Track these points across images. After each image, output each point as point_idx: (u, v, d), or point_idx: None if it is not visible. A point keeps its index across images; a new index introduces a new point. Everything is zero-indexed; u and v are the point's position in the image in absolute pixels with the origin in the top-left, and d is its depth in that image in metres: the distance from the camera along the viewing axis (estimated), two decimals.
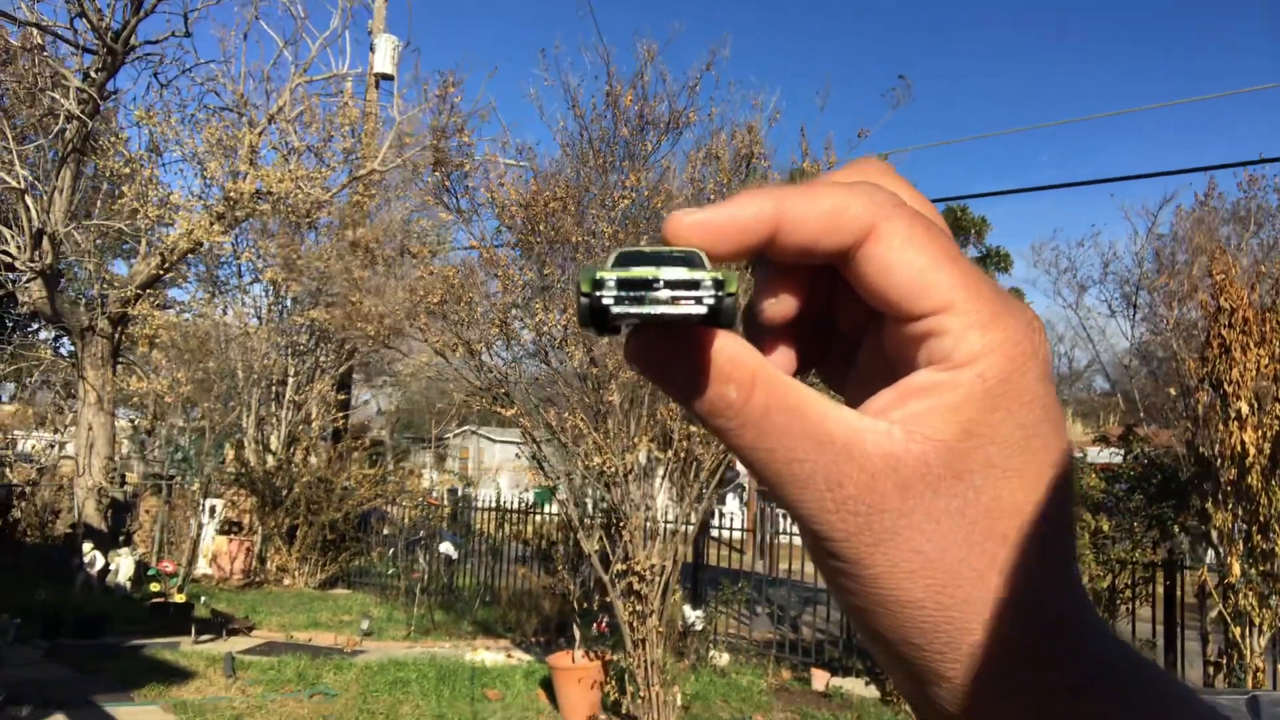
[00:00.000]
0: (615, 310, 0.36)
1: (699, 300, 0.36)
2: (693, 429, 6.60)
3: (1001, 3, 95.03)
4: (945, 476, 0.37)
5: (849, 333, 0.44)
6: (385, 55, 20.56)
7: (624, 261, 0.37)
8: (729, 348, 0.38)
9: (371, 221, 16.72)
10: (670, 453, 6.94)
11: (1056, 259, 14.42)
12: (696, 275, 0.36)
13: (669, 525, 7.31)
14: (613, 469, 6.75)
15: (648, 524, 7.09)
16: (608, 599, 7.67)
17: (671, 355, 0.38)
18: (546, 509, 14.66)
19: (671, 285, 0.36)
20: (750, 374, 0.38)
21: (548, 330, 6.42)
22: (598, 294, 0.36)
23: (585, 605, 8.72)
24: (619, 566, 7.03)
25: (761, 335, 0.43)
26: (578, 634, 8.54)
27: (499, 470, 33.65)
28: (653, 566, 6.94)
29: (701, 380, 0.38)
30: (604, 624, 9.12)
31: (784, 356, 0.43)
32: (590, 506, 8.28)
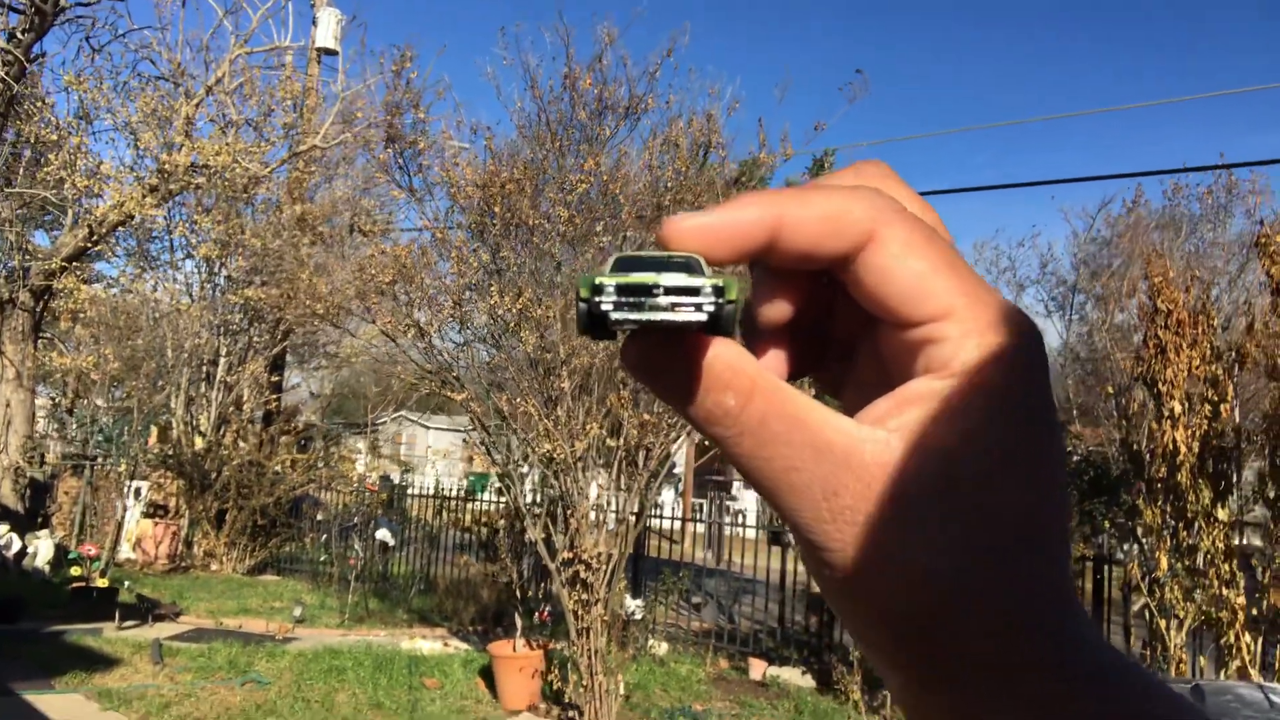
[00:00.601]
0: (614, 316, 0.36)
1: (699, 307, 0.35)
2: (646, 416, 6.58)
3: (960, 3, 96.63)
4: (942, 486, 0.36)
5: (845, 338, 0.44)
6: (328, 29, 20.08)
7: (622, 267, 0.37)
8: (727, 355, 0.38)
9: (312, 199, 16.34)
10: (620, 440, 6.90)
11: (997, 258, 14.71)
12: (696, 281, 0.36)
13: (615, 514, 7.29)
14: (562, 455, 6.69)
15: (595, 513, 7.05)
16: (550, 587, 7.63)
17: (669, 362, 0.38)
18: (483, 496, 14.53)
19: (671, 291, 0.36)
20: (749, 381, 0.38)
21: (501, 314, 6.33)
22: (597, 299, 0.36)
23: (528, 593, 8.66)
24: (565, 555, 6.98)
25: (757, 338, 0.43)
26: (519, 622, 8.47)
27: (444, 455, 33.28)
28: (599, 555, 6.90)
29: (699, 387, 0.38)
30: (546, 613, 9.07)
31: (779, 360, 0.43)
32: (536, 495, 8.21)
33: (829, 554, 0.37)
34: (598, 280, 0.37)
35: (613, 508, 7.29)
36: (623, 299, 0.36)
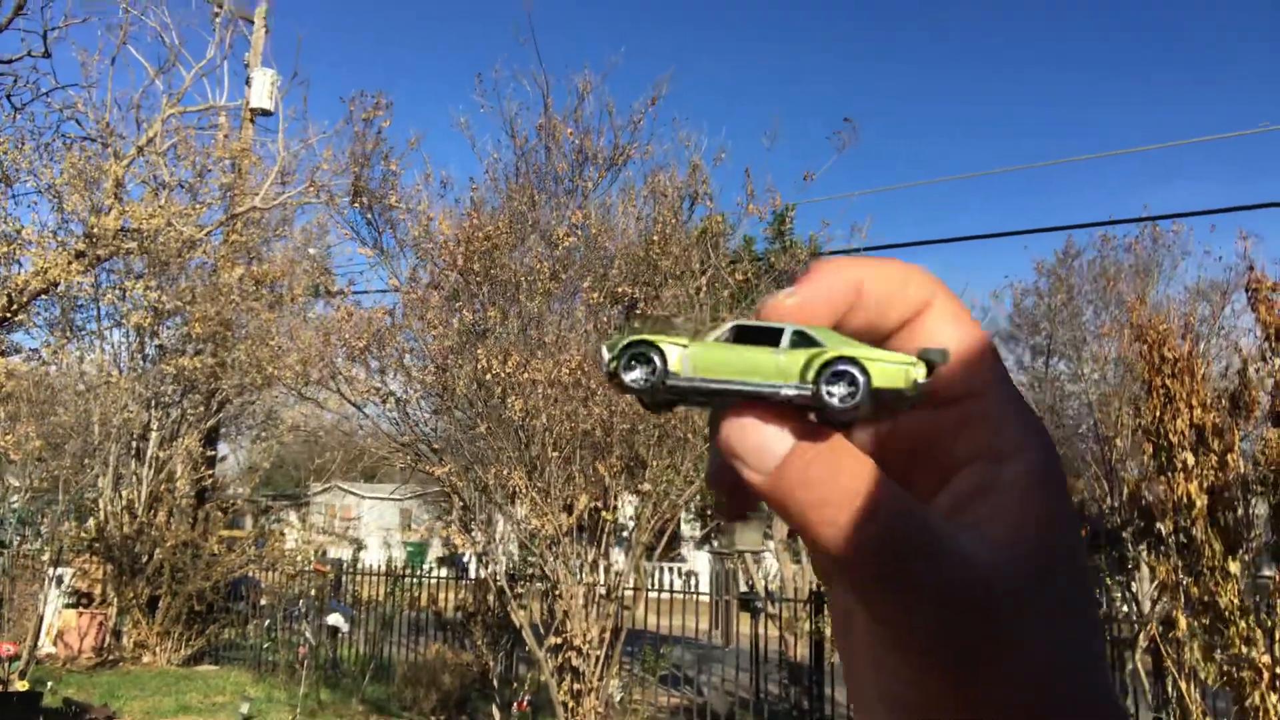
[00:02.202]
0: (836, 406, 0.41)
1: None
2: (644, 487, 6.10)
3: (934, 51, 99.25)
4: (1033, 578, 0.39)
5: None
6: (263, 90, 19.57)
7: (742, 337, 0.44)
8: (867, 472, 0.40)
9: (249, 263, 15.61)
10: (610, 512, 6.39)
11: (969, 310, 14.58)
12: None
13: (605, 590, 6.73)
14: (551, 529, 6.15)
15: (585, 590, 6.50)
16: (521, 669, 7.00)
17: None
18: (426, 569, 13.75)
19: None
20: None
21: (487, 380, 5.81)
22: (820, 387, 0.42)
23: (508, 683, 7.98)
24: (553, 640, 6.40)
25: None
26: (496, 714, 7.79)
27: (386, 530, 32.07)
28: (592, 639, 6.33)
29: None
30: (525, 702, 8.38)
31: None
32: (508, 570, 7.61)
33: (948, 662, 0.38)
34: (822, 361, 0.42)
35: (602, 583, 6.74)
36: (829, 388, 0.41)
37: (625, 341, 0.45)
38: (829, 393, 0.42)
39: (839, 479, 0.39)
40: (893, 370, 0.42)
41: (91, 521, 14.50)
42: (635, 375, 0.44)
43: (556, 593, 6.40)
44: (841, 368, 0.42)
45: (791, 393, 0.42)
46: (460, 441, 6.11)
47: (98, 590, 14.11)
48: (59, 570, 13.63)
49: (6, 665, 10.23)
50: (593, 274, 6.05)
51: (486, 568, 7.00)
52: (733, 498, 0.45)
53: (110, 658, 13.41)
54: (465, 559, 13.69)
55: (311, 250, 15.31)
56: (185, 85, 14.92)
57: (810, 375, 0.42)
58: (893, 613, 0.38)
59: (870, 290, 0.43)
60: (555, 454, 6.12)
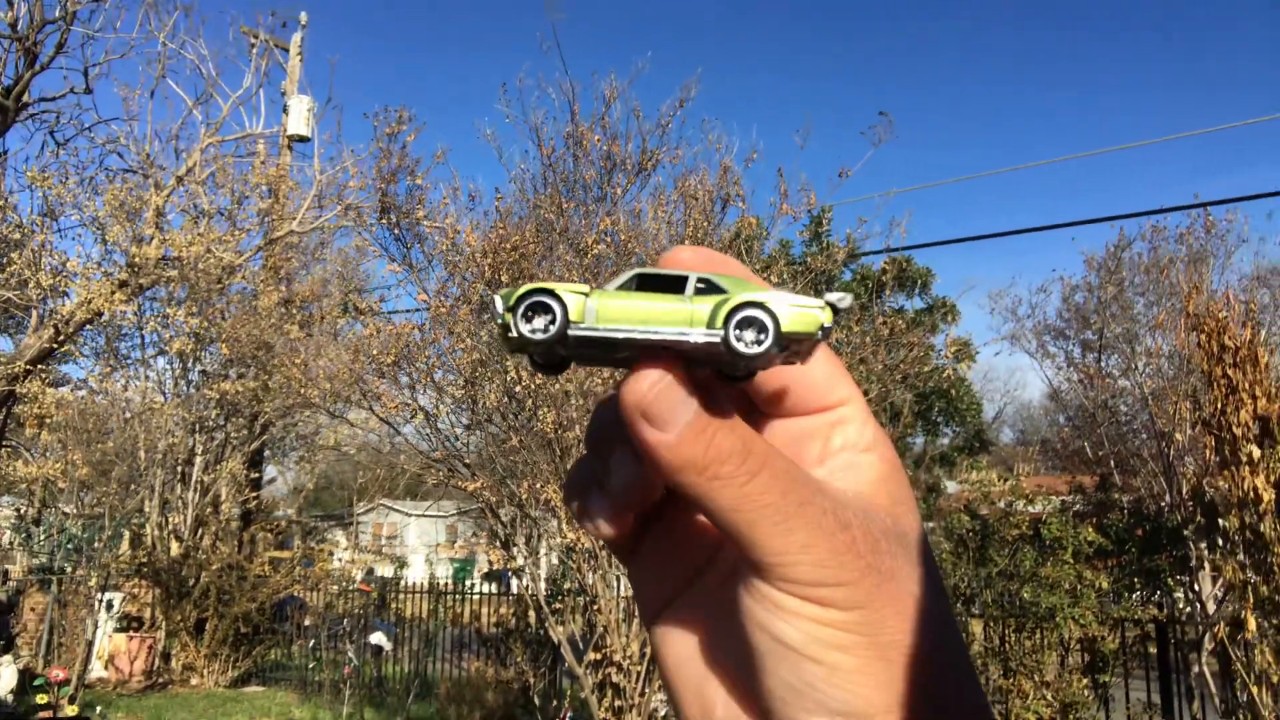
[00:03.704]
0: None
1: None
2: None
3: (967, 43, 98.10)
4: (894, 530, 0.46)
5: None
6: (299, 117, 19.87)
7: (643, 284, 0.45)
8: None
9: (288, 284, 15.77)
10: None
11: (1015, 306, 14.18)
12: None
13: None
14: (587, 543, 6.02)
15: (625, 604, 6.35)
16: (564, 683, 6.86)
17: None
18: (470, 585, 13.68)
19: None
20: (747, 429, 0.44)
21: (517, 391, 5.72)
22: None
23: (548, 698, 7.85)
24: (593, 656, 6.26)
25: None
26: None
27: (434, 548, 32.27)
28: (632, 654, 6.19)
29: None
30: (567, 718, 8.25)
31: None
32: (547, 586, 7.49)
33: (840, 590, 0.42)
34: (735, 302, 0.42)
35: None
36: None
37: (522, 291, 0.42)
38: (738, 338, 0.41)
39: (744, 443, 0.42)
40: (801, 315, 0.42)
41: (136, 546, 14.67)
42: (535, 325, 0.42)
43: (595, 607, 6.26)
44: (750, 313, 0.41)
45: (700, 340, 0.41)
46: (493, 456, 6.01)
47: (147, 614, 14.25)
48: (108, 595, 13.79)
49: (56, 690, 10.33)
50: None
51: (523, 582, 6.89)
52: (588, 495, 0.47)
53: (159, 681, 13.51)
54: (509, 574, 13.64)
55: (350, 277, 15.39)
56: (223, 115, 15.11)
57: (719, 322, 0.41)
58: (791, 550, 0.42)
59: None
60: None
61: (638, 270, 0.43)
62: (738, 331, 0.41)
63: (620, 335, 0.41)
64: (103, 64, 14.03)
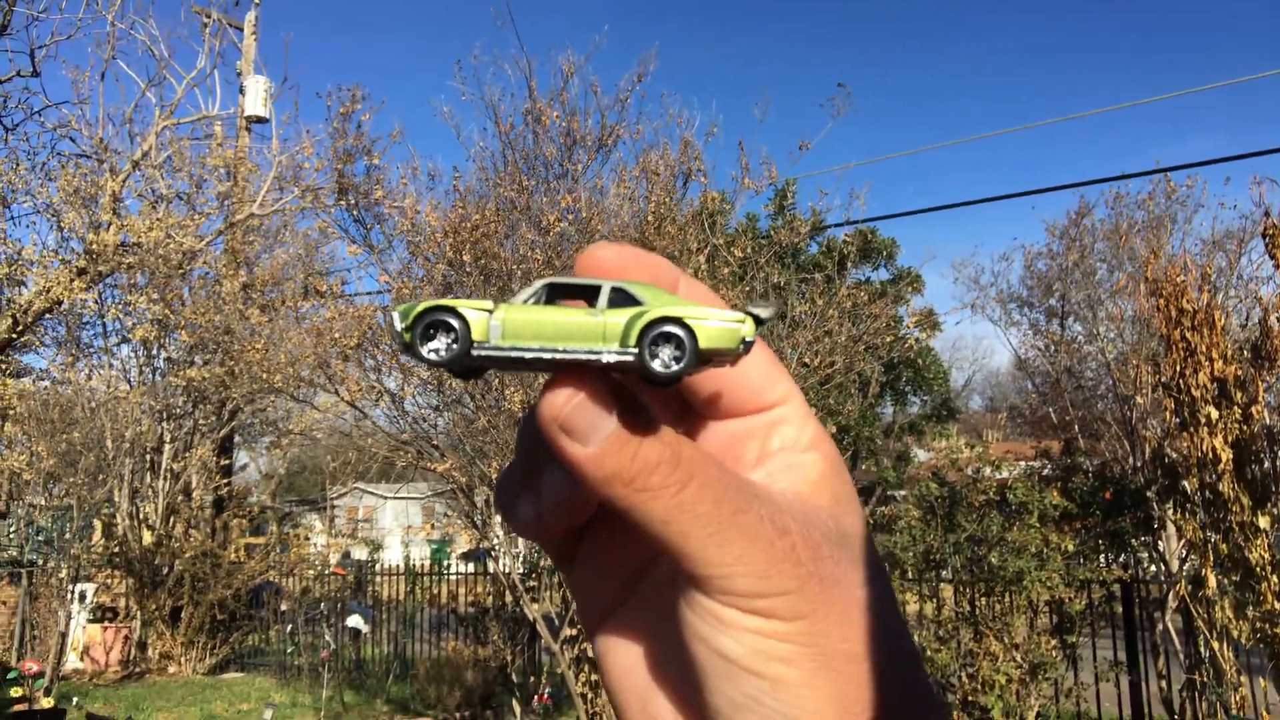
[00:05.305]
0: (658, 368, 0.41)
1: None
2: None
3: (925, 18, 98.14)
4: (836, 531, 0.44)
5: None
6: (256, 98, 19.49)
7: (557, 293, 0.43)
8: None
9: (251, 270, 15.55)
10: None
11: (978, 275, 14.29)
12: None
13: None
14: None
15: None
16: (542, 659, 6.90)
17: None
18: (456, 567, 13.69)
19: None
20: (674, 437, 0.42)
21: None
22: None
23: (528, 677, 7.89)
24: (569, 632, 6.29)
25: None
26: (517, 709, 7.71)
27: (409, 530, 32.20)
28: None
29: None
30: (545, 695, 8.31)
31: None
32: (522, 563, 7.51)
33: (782, 600, 0.41)
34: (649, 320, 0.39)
35: None
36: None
37: (421, 308, 0.40)
38: (653, 355, 0.39)
39: (672, 451, 0.40)
40: (720, 330, 0.40)
41: (108, 536, 14.52)
42: (435, 346, 0.40)
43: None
44: (666, 329, 0.39)
45: (613, 359, 0.39)
46: (462, 436, 5.99)
47: (121, 604, 14.15)
48: (81, 586, 13.66)
49: (31, 683, 10.24)
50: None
51: (498, 562, 6.90)
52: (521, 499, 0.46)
53: (136, 670, 13.45)
54: (486, 554, 13.66)
55: (300, 250, 15.16)
56: (178, 97, 14.81)
57: (632, 339, 0.39)
58: (727, 561, 0.40)
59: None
60: None
61: (549, 280, 0.42)
62: (653, 348, 0.39)
63: (529, 355, 0.39)
64: (50, 45, 13.69)
